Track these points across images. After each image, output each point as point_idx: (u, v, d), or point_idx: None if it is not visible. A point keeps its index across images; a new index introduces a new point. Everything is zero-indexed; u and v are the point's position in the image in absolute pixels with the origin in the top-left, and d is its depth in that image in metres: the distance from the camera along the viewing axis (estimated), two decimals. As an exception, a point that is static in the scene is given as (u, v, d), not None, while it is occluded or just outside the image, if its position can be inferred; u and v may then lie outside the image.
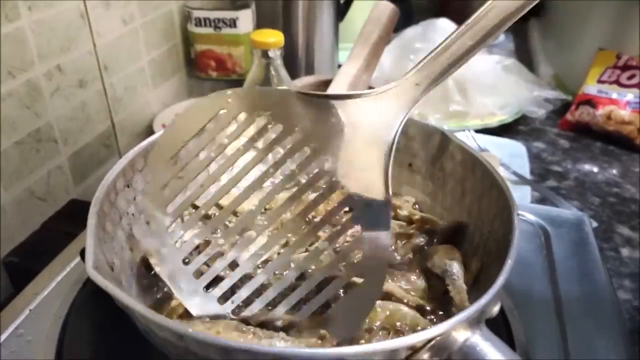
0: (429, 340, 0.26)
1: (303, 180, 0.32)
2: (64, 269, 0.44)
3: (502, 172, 0.69)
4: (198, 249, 0.34)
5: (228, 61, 0.82)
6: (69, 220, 0.60)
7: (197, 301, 0.33)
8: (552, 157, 0.80)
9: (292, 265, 0.33)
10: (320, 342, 0.30)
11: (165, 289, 0.36)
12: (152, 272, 0.35)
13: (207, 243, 0.34)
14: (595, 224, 0.64)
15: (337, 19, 0.89)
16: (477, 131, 0.79)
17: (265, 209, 0.38)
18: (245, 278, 0.33)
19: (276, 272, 0.33)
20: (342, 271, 0.32)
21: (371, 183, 0.31)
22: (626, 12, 0.85)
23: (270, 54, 0.59)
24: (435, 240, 0.40)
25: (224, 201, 0.33)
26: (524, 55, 1.09)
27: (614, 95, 0.82)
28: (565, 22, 1.00)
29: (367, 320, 0.32)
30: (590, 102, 0.83)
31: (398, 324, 0.32)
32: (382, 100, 0.31)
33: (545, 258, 0.47)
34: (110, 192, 0.36)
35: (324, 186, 0.32)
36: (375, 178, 0.31)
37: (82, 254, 0.44)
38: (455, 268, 0.34)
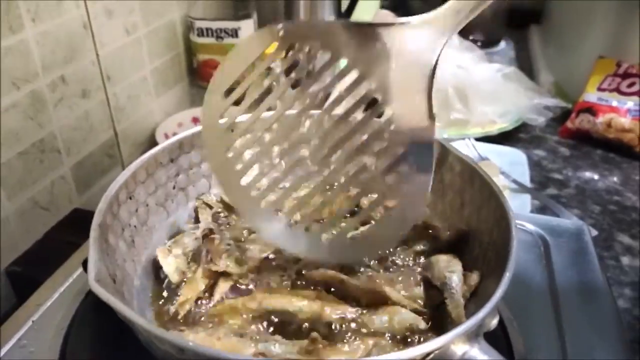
0: (428, 354, 0.26)
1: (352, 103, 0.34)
2: (66, 280, 0.45)
3: (503, 180, 0.69)
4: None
5: (230, 70, 0.83)
6: (72, 230, 0.60)
7: (264, 224, 0.36)
8: (552, 164, 0.80)
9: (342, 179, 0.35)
10: (313, 345, 0.31)
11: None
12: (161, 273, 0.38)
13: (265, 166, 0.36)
14: (595, 233, 0.65)
15: (338, 27, 0.89)
16: (478, 139, 0.79)
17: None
18: (306, 197, 0.35)
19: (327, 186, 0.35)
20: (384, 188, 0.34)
21: (415, 105, 0.32)
22: (626, 19, 0.86)
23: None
24: (437, 247, 0.40)
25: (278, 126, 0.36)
26: (525, 63, 1.09)
27: (614, 103, 0.83)
28: (566, 30, 1.01)
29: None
30: (591, 109, 0.83)
31: (397, 326, 0.33)
32: (425, 26, 0.32)
33: (545, 268, 0.47)
34: (112, 204, 0.36)
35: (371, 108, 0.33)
36: (419, 100, 0.32)
37: (85, 265, 0.44)
38: (455, 282, 0.34)
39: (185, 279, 0.39)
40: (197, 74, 0.85)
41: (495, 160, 0.74)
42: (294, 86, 0.35)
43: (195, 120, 0.83)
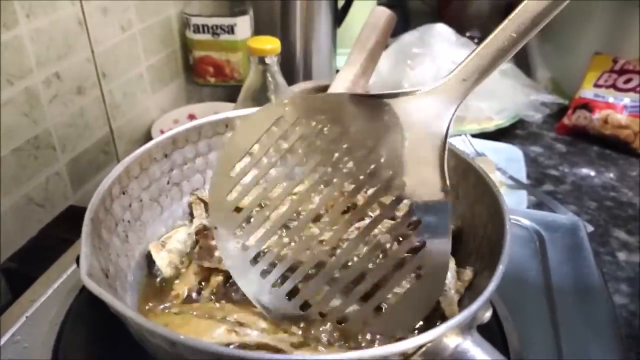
0: (421, 346, 0.26)
1: (361, 177, 0.33)
2: (60, 276, 0.45)
3: (499, 176, 0.69)
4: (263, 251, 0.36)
5: (226, 67, 0.83)
6: (67, 227, 0.60)
7: (266, 298, 0.34)
8: (549, 161, 0.80)
9: (355, 259, 0.34)
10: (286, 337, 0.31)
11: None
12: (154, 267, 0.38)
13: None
14: (591, 228, 0.65)
15: (335, 24, 0.89)
16: (474, 135, 0.79)
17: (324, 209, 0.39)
18: (309, 276, 0.34)
19: (337, 271, 0.34)
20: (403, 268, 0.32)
21: (427, 176, 0.32)
22: (623, 16, 0.86)
23: (267, 60, 0.60)
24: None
25: (286, 203, 0.35)
26: (521, 59, 1.09)
27: (611, 100, 0.83)
28: (563, 26, 1.01)
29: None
30: (587, 106, 0.84)
31: None
32: (432, 96, 0.32)
33: (540, 263, 0.47)
34: (105, 199, 0.36)
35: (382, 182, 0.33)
36: (431, 171, 0.32)
37: (78, 260, 0.44)
38: (448, 279, 0.34)
39: (178, 274, 0.39)
40: (193, 71, 0.84)
41: (492, 156, 0.74)
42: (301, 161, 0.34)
43: (191, 117, 0.83)
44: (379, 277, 0.32)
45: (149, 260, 0.40)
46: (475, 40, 1.01)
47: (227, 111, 0.83)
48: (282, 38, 0.62)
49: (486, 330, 0.30)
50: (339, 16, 0.90)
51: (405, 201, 0.32)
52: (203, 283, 0.38)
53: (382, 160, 0.32)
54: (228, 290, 0.37)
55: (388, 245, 0.36)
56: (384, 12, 0.61)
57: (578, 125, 0.84)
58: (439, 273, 0.31)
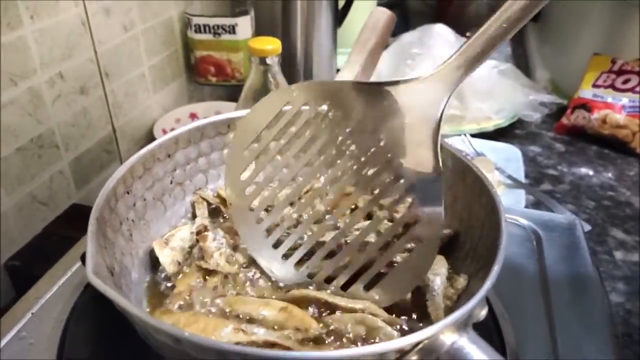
0: (417, 343, 0.27)
1: (363, 159, 0.36)
2: (65, 273, 0.45)
3: (498, 176, 0.70)
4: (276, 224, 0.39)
5: (227, 67, 0.83)
6: (70, 225, 0.61)
7: (278, 268, 0.38)
8: (547, 160, 0.81)
9: (357, 233, 0.38)
10: (292, 333, 0.32)
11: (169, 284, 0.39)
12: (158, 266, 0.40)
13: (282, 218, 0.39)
14: (589, 227, 0.65)
15: (335, 24, 0.90)
16: (473, 135, 0.80)
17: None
18: (316, 246, 0.37)
19: (343, 239, 0.38)
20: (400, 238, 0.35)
21: (423, 157, 0.34)
22: (621, 17, 0.86)
23: (268, 61, 0.60)
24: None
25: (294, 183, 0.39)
26: (521, 59, 1.10)
27: (609, 100, 0.83)
28: (562, 27, 1.01)
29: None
30: (586, 106, 0.84)
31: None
32: (428, 83, 0.34)
33: (537, 262, 0.48)
34: (110, 199, 0.37)
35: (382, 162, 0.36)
36: (426, 153, 0.34)
37: (83, 258, 0.45)
38: (437, 284, 0.35)
39: (181, 271, 0.39)
40: (194, 70, 0.85)
41: (491, 156, 0.75)
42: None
43: (193, 116, 0.84)
44: (380, 247, 0.36)
45: (152, 258, 0.41)
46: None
47: (228, 110, 0.84)
48: (282, 38, 0.62)
49: (483, 328, 0.30)
50: (339, 16, 0.90)
51: (401, 180, 0.34)
52: (206, 279, 0.39)
53: (382, 143, 0.35)
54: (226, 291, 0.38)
55: (386, 220, 0.39)
56: (384, 13, 0.61)
57: (577, 125, 0.85)
58: (433, 242, 0.34)
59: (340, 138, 0.36)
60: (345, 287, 0.36)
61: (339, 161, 0.36)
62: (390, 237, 0.36)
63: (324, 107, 0.36)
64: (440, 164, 0.34)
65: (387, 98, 0.34)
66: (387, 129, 0.35)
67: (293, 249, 0.38)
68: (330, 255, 0.37)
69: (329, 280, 0.37)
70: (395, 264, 0.36)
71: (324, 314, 0.35)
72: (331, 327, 0.33)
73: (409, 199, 0.34)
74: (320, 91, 0.36)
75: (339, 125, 0.36)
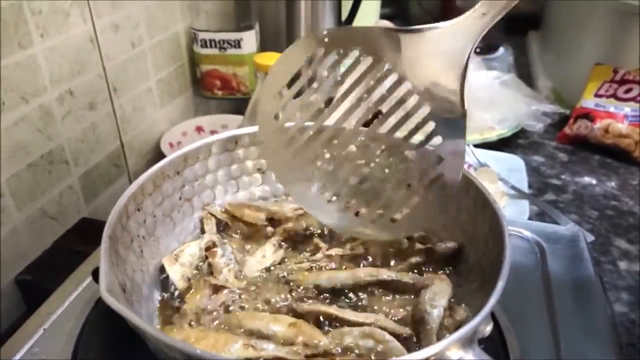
0: (424, 360, 0.28)
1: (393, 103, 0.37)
2: (76, 289, 0.46)
3: (501, 186, 0.71)
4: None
5: (233, 80, 0.84)
6: (80, 239, 0.62)
7: (319, 211, 0.41)
8: (550, 170, 0.81)
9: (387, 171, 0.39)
10: (300, 349, 0.32)
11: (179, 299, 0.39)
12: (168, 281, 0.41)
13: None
14: (592, 238, 0.66)
15: (339, 37, 0.91)
16: (477, 145, 0.81)
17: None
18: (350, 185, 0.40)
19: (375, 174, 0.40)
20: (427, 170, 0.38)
21: (449, 102, 0.35)
22: (623, 27, 0.87)
23: (273, 76, 0.61)
24: (432, 259, 0.41)
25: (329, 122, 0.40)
26: (523, 69, 1.10)
27: (612, 109, 0.84)
28: (564, 37, 1.02)
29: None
30: (588, 115, 0.85)
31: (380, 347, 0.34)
32: (455, 30, 0.35)
33: (541, 274, 0.48)
34: (122, 216, 0.37)
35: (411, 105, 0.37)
36: (452, 97, 0.35)
37: (94, 274, 0.46)
38: (434, 316, 0.35)
39: (191, 286, 0.40)
40: (200, 84, 0.86)
41: (494, 166, 0.75)
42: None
43: (199, 129, 0.85)
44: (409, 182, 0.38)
45: (162, 274, 0.41)
46: (477, 50, 1.02)
47: (233, 122, 0.85)
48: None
49: (488, 340, 0.31)
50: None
51: (430, 123, 0.36)
52: (215, 295, 0.40)
53: (411, 86, 0.36)
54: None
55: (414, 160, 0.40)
56: (387, 26, 0.62)
57: (579, 134, 0.86)
58: (455, 179, 0.36)
59: (371, 82, 0.37)
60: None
61: (370, 104, 0.38)
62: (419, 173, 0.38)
63: (356, 52, 0.37)
64: (466, 108, 0.35)
65: (415, 44, 0.35)
66: (415, 74, 0.36)
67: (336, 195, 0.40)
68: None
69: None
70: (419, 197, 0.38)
71: (333, 327, 0.35)
72: (339, 342, 0.34)
73: (437, 140, 0.36)
74: (350, 37, 0.37)
75: (370, 69, 0.37)
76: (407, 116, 0.37)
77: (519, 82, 0.91)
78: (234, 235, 0.46)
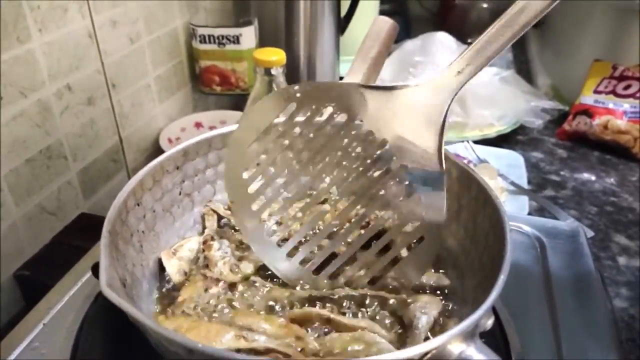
0: (426, 353, 0.28)
1: (368, 162, 0.37)
2: (75, 283, 0.46)
3: (501, 182, 0.71)
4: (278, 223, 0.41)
5: (232, 76, 0.84)
6: (79, 234, 0.62)
7: (283, 266, 0.40)
8: (549, 166, 0.82)
9: (362, 232, 0.39)
10: (296, 341, 0.32)
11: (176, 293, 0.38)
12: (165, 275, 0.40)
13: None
14: (591, 233, 0.66)
15: (338, 32, 0.91)
16: (476, 142, 0.81)
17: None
18: (321, 246, 0.39)
19: (347, 239, 0.39)
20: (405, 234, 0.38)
21: (427, 159, 0.35)
22: (622, 23, 0.87)
23: (273, 71, 0.61)
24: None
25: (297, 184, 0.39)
26: (522, 66, 1.10)
27: (611, 105, 0.84)
28: (563, 33, 1.02)
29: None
30: (587, 112, 0.85)
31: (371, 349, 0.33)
32: (431, 88, 0.35)
33: (541, 269, 0.48)
34: (121, 211, 0.37)
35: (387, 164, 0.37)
36: (430, 155, 0.35)
37: (94, 269, 0.46)
38: (422, 322, 0.34)
39: (187, 281, 0.40)
40: (199, 80, 0.86)
41: (494, 162, 0.75)
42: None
43: (198, 125, 0.85)
44: (384, 244, 0.38)
45: (160, 268, 0.41)
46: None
47: (232, 118, 0.85)
48: (286, 47, 0.63)
49: (489, 335, 0.31)
50: (341, 25, 0.91)
51: (406, 182, 0.36)
52: (210, 287, 0.40)
53: (387, 146, 0.36)
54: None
55: (390, 221, 0.40)
56: (387, 22, 0.62)
57: (578, 130, 0.86)
58: (436, 229, 0.36)
59: (346, 140, 0.37)
60: (348, 282, 0.38)
61: (344, 163, 0.37)
62: (396, 235, 0.38)
63: (329, 109, 0.36)
64: (444, 166, 0.35)
65: (393, 102, 0.35)
66: (392, 132, 0.36)
67: (297, 248, 0.39)
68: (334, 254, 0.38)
69: (332, 276, 0.38)
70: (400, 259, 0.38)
71: (325, 333, 0.35)
72: (330, 347, 0.33)
73: (414, 198, 0.36)
74: (325, 92, 0.36)
75: (345, 127, 0.36)
76: (383, 175, 0.37)
77: (518, 78, 0.91)
78: (234, 232, 0.46)
